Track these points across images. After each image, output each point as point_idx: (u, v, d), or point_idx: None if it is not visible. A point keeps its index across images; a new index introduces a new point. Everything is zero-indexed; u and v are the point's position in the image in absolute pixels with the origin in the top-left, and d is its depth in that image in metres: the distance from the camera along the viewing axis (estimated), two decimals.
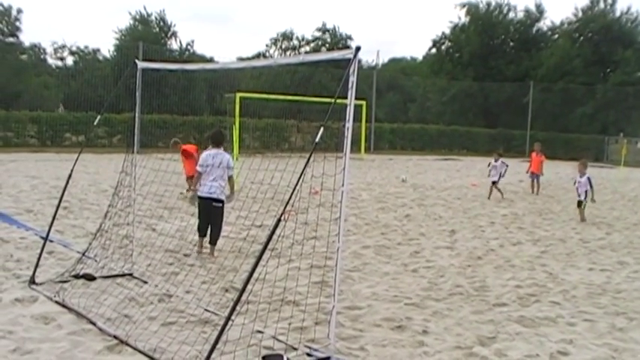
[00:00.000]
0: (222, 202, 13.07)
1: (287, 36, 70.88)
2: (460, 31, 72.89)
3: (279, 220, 7.02)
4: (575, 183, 21.63)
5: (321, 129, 7.10)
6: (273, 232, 6.99)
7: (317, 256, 12.51)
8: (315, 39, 69.96)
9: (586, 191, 20.77)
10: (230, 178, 13.32)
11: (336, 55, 7.88)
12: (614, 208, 24.51)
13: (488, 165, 26.83)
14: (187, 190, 19.40)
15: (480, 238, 16.82)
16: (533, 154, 29.71)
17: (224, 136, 14.10)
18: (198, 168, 13.12)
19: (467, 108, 69.41)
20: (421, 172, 33.46)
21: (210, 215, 13.00)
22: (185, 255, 13.01)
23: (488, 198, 25.14)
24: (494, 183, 25.78)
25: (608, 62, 64.23)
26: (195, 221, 13.62)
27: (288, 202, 6.90)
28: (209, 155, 13.00)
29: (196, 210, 13.46)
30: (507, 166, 26.48)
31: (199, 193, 13.10)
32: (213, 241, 13.13)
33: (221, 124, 45.13)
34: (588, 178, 20.80)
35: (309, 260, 12.28)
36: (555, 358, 8.29)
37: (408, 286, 11.54)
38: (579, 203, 20.95)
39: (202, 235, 13.19)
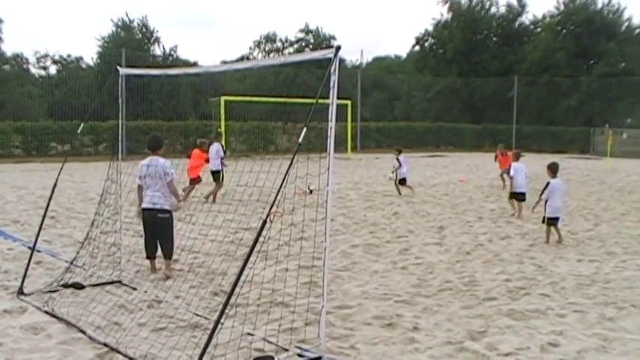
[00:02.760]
0: (168, 212, 11.81)
1: (270, 38, 70.97)
2: (443, 27, 73.02)
3: (264, 222, 7.02)
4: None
5: (304, 129, 7.10)
6: (259, 234, 6.98)
7: (305, 256, 12.52)
8: (299, 40, 70.03)
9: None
10: (170, 184, 11.78)
11: (316, 55, 7.87)
12: (601, 199, 24.57)
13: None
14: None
15: (469, 233, 16.85)
16: (499, 155, 28.44)
17: (160, 140, 12.56)
18: (137, 180, 11.92)
19: (452, 104, 69.55)
20: (408, 170, 33.47)
21: (157, 228, 11.78)
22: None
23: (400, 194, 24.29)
24: (400, 180, 24.61)
25: (591, 54, 64.32)
26: (182, 226, 13.48)
27: (273, 204, 6.90)
28: (143, 165, 11.76)
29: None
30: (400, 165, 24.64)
31: (142, 205, 11.79)
32: (167, 256, 11.97)
33: (207, 128, 45.12)
34: (509, 167, 20.14)
35: (297, 261, 12.27)
36: (546, 349, 8.31)
37: (398, 284, 11.56)
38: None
39: (151, 256, 12.05)
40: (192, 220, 16.23)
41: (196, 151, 21.74)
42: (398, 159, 24.44)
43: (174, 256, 12.73)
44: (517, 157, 20.52)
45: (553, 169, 15.99)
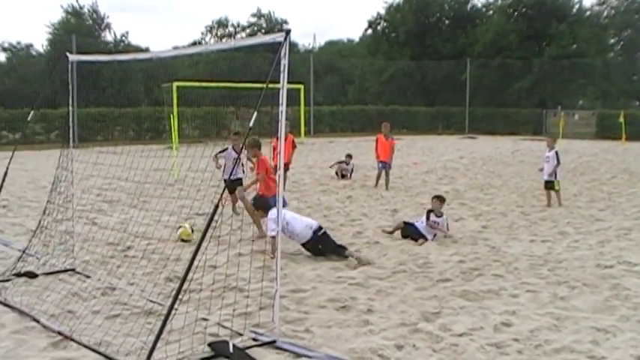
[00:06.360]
0: None
1: (222, 23, 70.73)
2: (395, 10, 72.86)
3: (216, 207, 7.02)
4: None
5: (255, 114, 7.10)
6: (211, 219, 6.98)
7: (259, 241, 12.53)
8: (251, 25, 70.03)
9: (554, 168, 19.11)
10: None
11: (266, 39, 7.87)
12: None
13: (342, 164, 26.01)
14: None
15: (422, 215, 16.92)
16: (381, 137, 23.21)
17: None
18: None
19: (405, 87, 69.54)
20: (362, 154, 33.53)
21: None
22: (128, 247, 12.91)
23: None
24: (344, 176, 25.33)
25: (543, 36, 64.58)
26: (135, 213, 13.41)
27: (225, 189, 6.89)
28: None
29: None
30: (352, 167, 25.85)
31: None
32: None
33: (159, 114, 44.78)
34: (556, 153, 19.36)
35: (250, 246, 12.25)
36: (499, 329, 8.40)
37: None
38: (546, 184, 19.29)
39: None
40: (146, 206, 16.15)
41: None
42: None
43: (128, 243, 12.72)
44: (553, 142, 20.19)
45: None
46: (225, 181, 16.34)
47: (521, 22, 64.89)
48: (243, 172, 16.69)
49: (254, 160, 14.13)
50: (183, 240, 13.38)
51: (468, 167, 29.41)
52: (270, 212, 12.00)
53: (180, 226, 13.84)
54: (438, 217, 14.28)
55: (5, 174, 11.14)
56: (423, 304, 9.39)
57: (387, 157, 22.60)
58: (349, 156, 25.96)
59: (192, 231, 13.55)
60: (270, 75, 7.16)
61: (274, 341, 7.79)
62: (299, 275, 10.93)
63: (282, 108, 7.43)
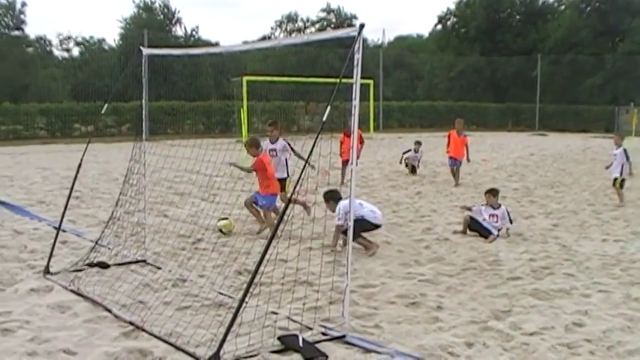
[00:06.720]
0: None
1: (292, 18, 71.04)
2: (465, 6, 72.53)
3: (289, 201, 7.03)
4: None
5: (328, 108, 7.09)
6: (283, 213, 6.99)
7: (329, 235, 12.52)
8: (320, 20, 70.19)
9: (622, 165, 18.52)
10: None
11: (340, 33, 7.85)
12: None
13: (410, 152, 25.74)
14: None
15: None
16: (453, 133, 22.88)
17: None
18: None
19: (475, 83, 69.11)
20: (431, 149, 33.28)
21: None
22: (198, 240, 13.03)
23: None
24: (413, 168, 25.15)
25: (616, 32, 63.62)
26: (206, 205, 13.51)
27: (297, 183, 6.90)
28: None
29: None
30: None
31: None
32: None
33: (229, 108, 45.13)
34: (624, 150, 18.57)
35: (321, 240, 12.29)
36: (570, 329, 8.28)
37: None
38: (614, 181, 18.83)
39: None
40: (216, 199, 16.26)
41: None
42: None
43: (199, 235, 12.84)
44: (621, 139, 19.08)
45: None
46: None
47: (593, 18, 63.97)
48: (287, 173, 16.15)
49: (252, 159, 14.08)
50: (221, 231, 13.51)
51: (538, 164, 29.11)
52: (340, 203, 12.05)
53: (225, 218, 13.92)
54: (495, 209, 14.23)
55: (79, 166, 11.28)
56: (494, 302, 9.32)
57: (459, 154, 22.50)
58: (418, 142, 25.70)
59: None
60: (343, 70, 7.14)
61: (344, 336, 7.78)
62: (368, 270, 10.92)
63: (355, 102, 7.40)
